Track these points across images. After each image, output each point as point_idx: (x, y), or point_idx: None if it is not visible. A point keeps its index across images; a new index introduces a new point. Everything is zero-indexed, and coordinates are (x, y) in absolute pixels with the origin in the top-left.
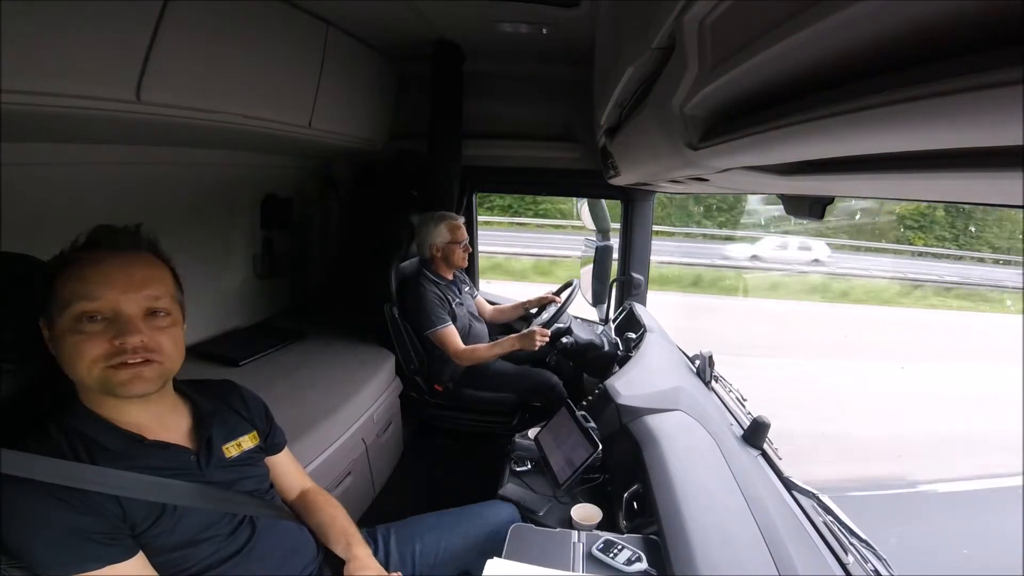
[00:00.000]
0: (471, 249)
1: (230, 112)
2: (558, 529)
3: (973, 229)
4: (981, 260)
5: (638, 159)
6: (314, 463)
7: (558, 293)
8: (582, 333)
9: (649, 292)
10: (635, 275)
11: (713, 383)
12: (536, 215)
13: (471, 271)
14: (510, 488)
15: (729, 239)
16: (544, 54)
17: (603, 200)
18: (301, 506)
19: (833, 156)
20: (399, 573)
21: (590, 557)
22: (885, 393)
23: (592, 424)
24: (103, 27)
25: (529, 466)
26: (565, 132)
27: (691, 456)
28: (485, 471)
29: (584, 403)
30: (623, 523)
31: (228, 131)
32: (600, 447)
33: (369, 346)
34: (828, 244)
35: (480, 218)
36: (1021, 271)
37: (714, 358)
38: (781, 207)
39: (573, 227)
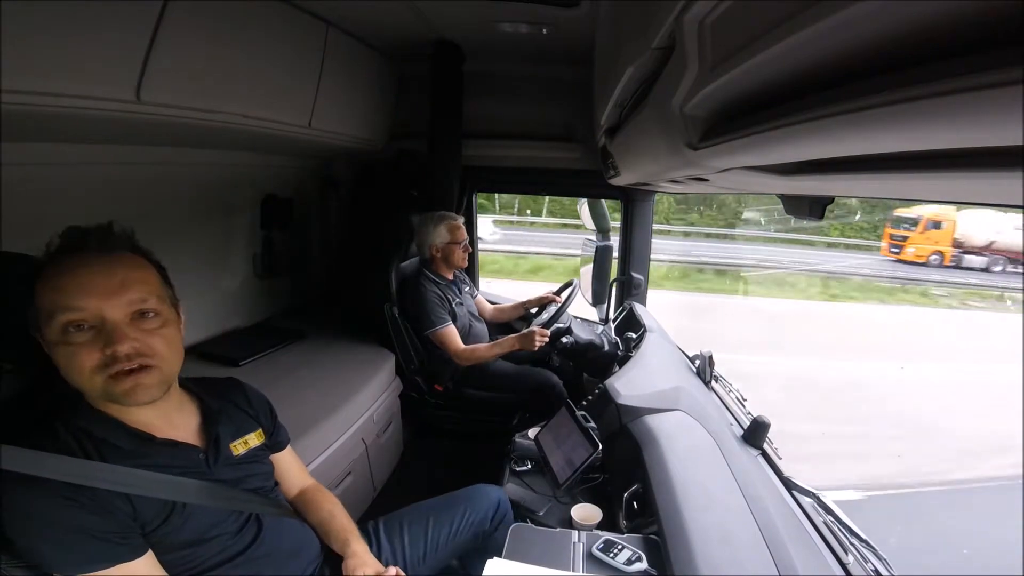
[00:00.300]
0: (471, 249)
1: (230, 112)
2: (558, 529)
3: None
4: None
5: (638, 159)
6: (314, 463)
7: (558, 293)
8: (582, 333)
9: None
10: (635, 275)
11: (713, 383)
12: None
13: (471, 271)
14: (510, 488)
15: None
16: (544, 54)
17: (603, 200)
18: (301, 503)
19: (833, 156)
20: (397, 568)
21: (590, 557)
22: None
23: (592, 424)
24: (103, 27)
25: (529, 466)
26: (565, 132)
27: (691, 456)
28: (485, 471)
29: (584, 403)
30: (623, 523)
31: (228, 131)
32: (600, 447)
33: (369, 346)
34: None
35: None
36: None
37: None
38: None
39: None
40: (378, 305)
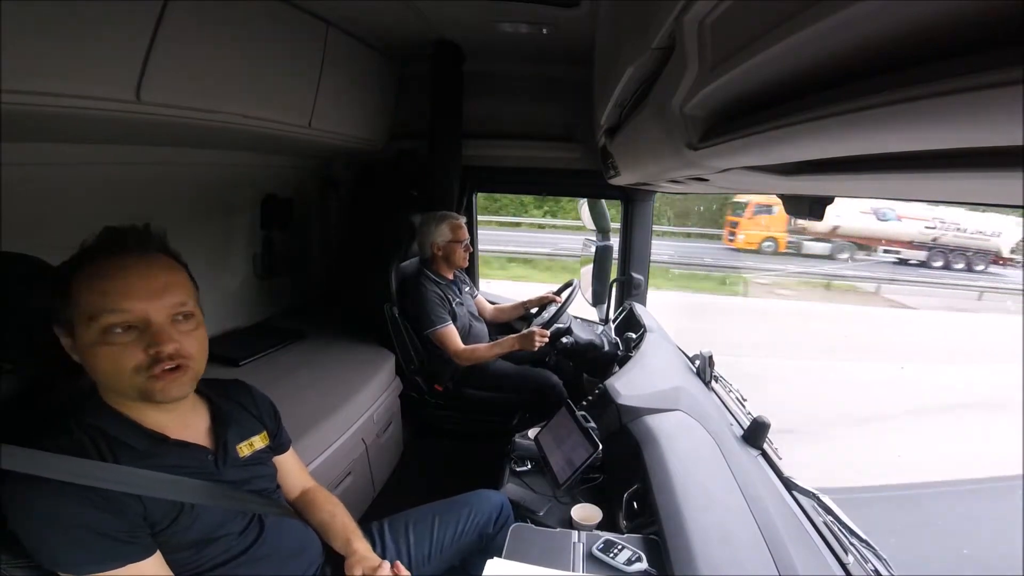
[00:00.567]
0: (472, 249)
1: (230, 112)
2: (558, 529)
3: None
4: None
5: (638, 159)
6: (314, 463)
7: (558, 293)
8: (582, 333)
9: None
10: (635, 275)
11: (713, 383)
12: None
13: (471, 271)
14: (510, 488)
15: None
16: (544, 54)
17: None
18: (303, 504)
19: (833, 156)
20: (398, 562)
21: (590, 557)
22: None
23: (592, 424)
24: (103, 27)
25: (529, 466)
26: (565, 132)
27: (691, 456)
28: (485, 471)
29: (584, 403)
30: (623, 523)
31: (228, 131)
32: (600, 447)
33: (369, 346)
34: None
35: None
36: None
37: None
38: None
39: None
40: (378, 305)
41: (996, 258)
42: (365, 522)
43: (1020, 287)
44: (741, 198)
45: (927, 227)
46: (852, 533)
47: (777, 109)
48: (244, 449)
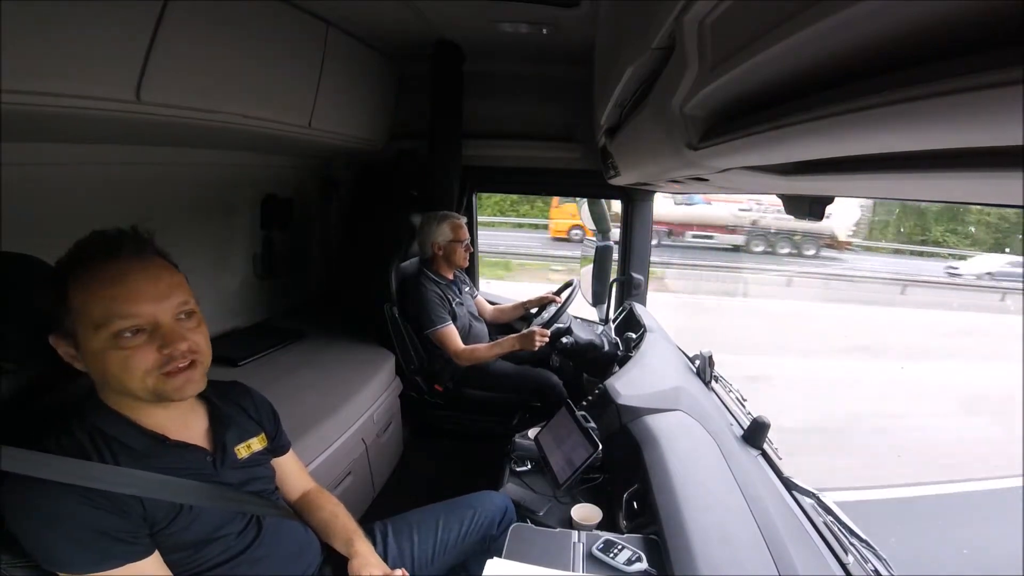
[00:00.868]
0: (472, 249)
1: (230, 112)
2: (558, 529)
3: None
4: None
5: (638, 159)
6: (314, 463)
7: (558, 293)
8: (582, 333)
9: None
10: (635, 275)
11: (713, 383)
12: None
13: (471, 271)
14: (510, 488)
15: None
16: (544, 54)
17: (603, 200)
18: (303, 505)
19: (833, 156)
20: (403, 570)
21: (590, 557)
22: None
23: (592, 424)
24: (103, 27)
25: (529, 466)
26: (565, 132)
27: (691, 456)
28: (485, 471)
29: (584, 403)
30: (623, 523)
31: (228, 131)
32: (600, 447)
33: (369, 346)
34: None
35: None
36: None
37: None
38: None
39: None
40: (378, 305)
41: (830, 241)
42: (366, 522)
43: (862, 273)
44: None
45: (741, 209)
46: (852, 533)
47: (777, 109)
48: (242, 451)
